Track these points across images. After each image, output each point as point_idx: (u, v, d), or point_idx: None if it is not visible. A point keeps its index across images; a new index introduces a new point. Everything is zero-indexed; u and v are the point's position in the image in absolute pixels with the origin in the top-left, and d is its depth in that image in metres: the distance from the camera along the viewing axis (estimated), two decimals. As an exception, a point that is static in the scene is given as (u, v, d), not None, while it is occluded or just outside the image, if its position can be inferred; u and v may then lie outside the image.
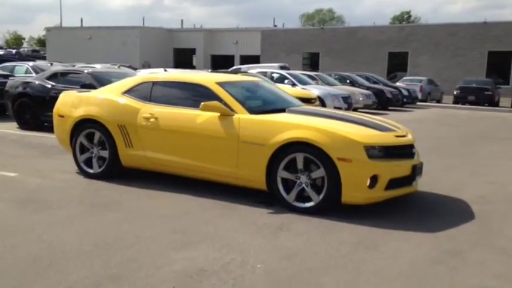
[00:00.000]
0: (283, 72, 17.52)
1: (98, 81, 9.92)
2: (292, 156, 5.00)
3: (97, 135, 6.20)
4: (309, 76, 17.98)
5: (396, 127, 5.53)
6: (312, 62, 39.79)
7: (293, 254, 3.92)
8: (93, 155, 6.28)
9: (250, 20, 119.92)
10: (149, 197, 5.48)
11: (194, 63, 53.29)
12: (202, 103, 5.39)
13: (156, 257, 3.79)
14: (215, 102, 5.39)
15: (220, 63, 49.58)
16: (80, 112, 6.28)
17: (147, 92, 6.06)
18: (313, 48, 39.72)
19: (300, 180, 5.00)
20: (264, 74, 16.44)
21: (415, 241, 4.27)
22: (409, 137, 5.35)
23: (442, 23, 36.61)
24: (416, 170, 5.18)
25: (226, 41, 51.19)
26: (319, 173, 4.88)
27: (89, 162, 6.35)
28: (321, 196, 4.88)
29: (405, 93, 21.50)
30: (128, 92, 6.18)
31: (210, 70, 24.92)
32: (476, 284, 3.40)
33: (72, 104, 6.46)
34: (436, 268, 3.70)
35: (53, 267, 3.56)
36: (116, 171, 6.21)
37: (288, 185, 5.09)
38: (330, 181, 4.81)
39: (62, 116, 6.52)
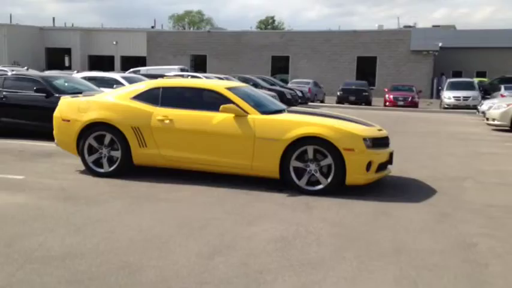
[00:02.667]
0: (200, 75, 18.39)
1: (50, 85, 10.03)
2: (303, 149, 6.12)
3: (107, 137, 6.72)
4: (220, 78, 19.04)
5: (372, 123, 6.94)
6: (199, 64, 40.82)
7: (337, 223, 5.07)
8: (102, 155, 6.78)
9: (115, 19, 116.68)
10: (175, 190, 6.22)
11: (67, 63, 51.15)
12: (222, 106, 6.28)
13: (239, 231, 4.68)
14: (232, 105, 6.32)
15: (99, 64, 48.30)
16: (90, 116, 6.74)
17: (156, 97, 6.74)
18: (201, 50, 40.80)
19: (310, 168, 6.15)
20: (181, 76, 17.17)
21: (412, 209, 5.66)
22: (384, 131, 6.78)
23: (318, 30, 40.08)
24: (391, 157, 6.63)
25: (105, 41, 49.95)
26: (327, 161, 6.08)
27: (96, 163, 6.83)
28: (329, 179, 6.08)
29: (299, 94, 23.58)
30: (137, 97, 6.80)
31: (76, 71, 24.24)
32: (475, 232, 4.83)
33: (78, 108, 6.87)
34: (441, 225, 5.09)
35: (168, 243, 4.30)
36: (126, 170, 6.78)
37: (298, 173, 6.21)
38: (336, 167, 6.04)
39: (67, 121, 6.90)
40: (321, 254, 4.17)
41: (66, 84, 10.65)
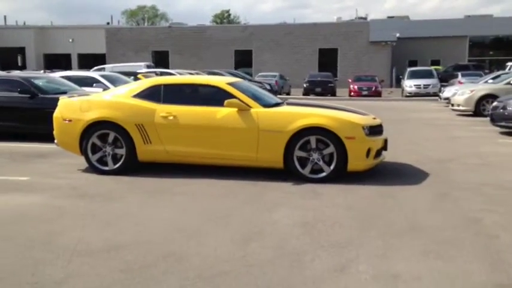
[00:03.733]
0: (172, 71, 18.39)
1: (34, 86, 9.93)
2: (306, 139, 6.42)
3: (111, 135, 6.81)
4: (190, 74, 19.12)
5: (367, 113, 7.30)
6: (162, 60, 40.53)
7: (350, 206, 5.38)
8: (106, 153, 6.87)
9: (65, 16, 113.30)
10: (185, 184, 6.39)
11: (20, 63, 49.67)
12: (226, 101, 6.49)
13: (262, 218, 4.93)
14: (236, 100, 6.54)
15: (55, 62, 47.17)
16: (93, 115, 6.81)
17: (158, 94, 6.88)
18: (162, 46, 40.51)
19: (313, 157, 6.45)
20: (155, 73, 17.15)
21: (413, 190, 6.05)
22: (378, 119, 7.16)
23: (279, 24, 40.55)
24: (386, 144, 7.02)
25: (61, 39, 48.85)
26: (329, 150, 6.39)
27: (100, 161, 6.91)
28: (332, 167, 6.40)
29: (268, 87, 23.89)
30: (138, 95, 6.91)
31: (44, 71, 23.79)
32: (478, 208, 5.24)
33: (80, 108, 6.92)
34: (444, 203, 5.50)
35: (199, 232, 4.50)
36: (132, 167, 6.90)
37: (301, 162, 6.50)
38: (338, 155, 6.36)
39: (69, 120, 6.93)
40: (346, 235, 4.47)
41: (47, 84, 10.54)
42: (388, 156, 7.92)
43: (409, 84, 27.33)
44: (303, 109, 6.75)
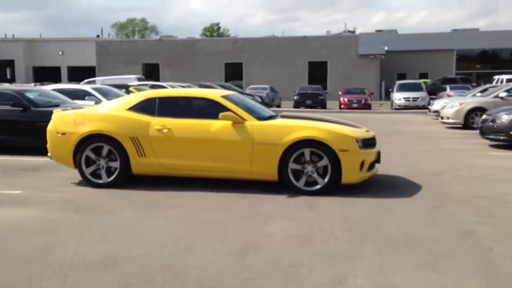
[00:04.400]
0: (164, 84, 18.42)
1: (26, 99, 9.90)
2: (300, 151, 6.46)
3: (105, 149, 6.81)
4: (182, 87, 19.17)
5: (360, 126, 7.37)
6: (152, 73, 40.55)
7: (344, 219, 5.41)
8: (100, 166, 6.86)
9: (55, 28, 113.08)
10: (178, 197, 6.38)
11: (8, 76, 49.41)
12: (221, 113, 6.52)
13: (257, 231, 4.94)
14: (230, 113, 6.57)
15: (44, 75, 47.00)
16: (87, 128, 6.80)
17: (153, 107, 6.90)
18: (153, 59, 40.57)
19: (307, 170, 6.49)
20: (146, 85, 17.16)
21: (407, 203, 6.10)
22: (371, 132, 7.22)
23: (269, 37, 40.86)
24: (379, 156, 7.08)
25: (50, 52, 48.71)
26: (323, 162, 6.43)
27: (93, 174, 6.89)
28: (326, 180, 6.44)
29: (259, 99, 23.99)
30: (133, 108, 6.93)
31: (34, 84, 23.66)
32: (471, 221, 5.30)
33: (74, 121, 6.92)
34: (437, 215, 5.55)
35: (195, 245, 4.50)
36: (126, 180, 6.88)
37: (296, 175, 6.53)
38: (333, 168, 6.40)
39: (63, 134, 6.92)
40: (342, 247, 4.50)
41: (39, 97, 10.51)
42: (381, 169, 7.98)
43: (398, 97, 27.59)
44: (297, 122, 6.81)
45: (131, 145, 6.74)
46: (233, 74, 39.50)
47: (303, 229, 5.02)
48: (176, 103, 7.00)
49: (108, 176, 6.85)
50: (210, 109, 6.77)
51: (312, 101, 27.56)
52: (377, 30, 55.84)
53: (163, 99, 6.99)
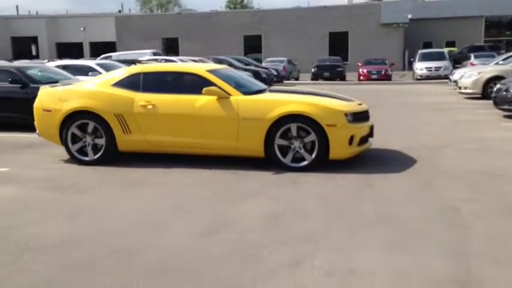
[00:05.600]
0: (174, 58, 18.25)
1: (25, 76, 9.89)
2: (286, 127, 6.23)
3: (91, 125, 6.72)
4: (194, 61, 18.96)
5: (352, 98, 7.07)
6: (172, 47, 40.42)
7: (324, 196, 5.21)
8: (87, 143, 6.78)
9: (82, 4, 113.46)
10: (163, 174, 6.27)
11: (34, 52, 50.07)
12: (204, 88, 6.32)
13: (229, 210, 4.79)
14: (215, 88, 6.37)
15: (67, 51, 47.39)
16: (72, 105, 6.71)
17: (137, 83, 6.75)
18: (172, 33, 40.36)
19: (294, 145, 6.27)
20: (156, 60, 17.03)
21: (394, 179, 5.84)
22: (364, 105, 6.93)
23: (289, 8, 40.02)
24: (372, 130, 6.80)
25: (73, 28, 48.96)
26: (310, 137, 6.20)
27: (80, 151, 6.83)
28: (313, 155, 6.21)
29: (274, 72, 23.64)
30: (118, 84, 6.79)
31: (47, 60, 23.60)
32: (459, 197, 5.03)
33: (59, 98, 6.83)
34: (423, 192, 5.29)
35: (160, 226, 4.38)
36: (111, 157, 6.80)
37: (282, 150, 6.33)
38: (320, 143, 6.17)
39: (48, 110, 6.85)
40: (310, 227, 4.31)
41: (40, 74, 10.49)
42: (381, 143, 7.75)
43: (420, 67, 26.75)
44: (284, 96, 6.56)
45: (116, 122, 6.62)
46: (252, 46, 38.97)
47: (277, 208, 4.85)
48: (161, 78, 6.83)
49: (95, 153, 6.78)
50: (195, 84, 6.57)
51: (330, 73, 27.00)
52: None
53: (148, 75, 6.83)
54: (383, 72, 26.89)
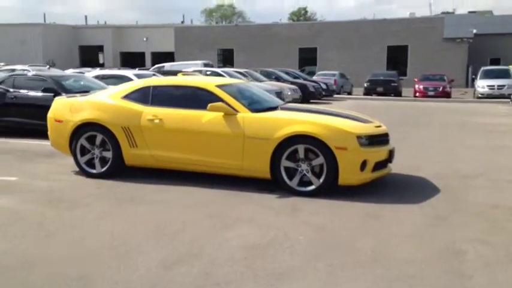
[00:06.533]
0: (218, 70, 18.23)
1: (59, 85, 10.06)
2: (293, 148, 5.84)
3: (99, 138, 6.61)
4: (240, 73, 18.85)
5: (371, 119, 6.58)
6: (227, 58, 40.76)
7: (321, 228, 4.78)
8: (95, 156, 6.69)
9: (150, 15, 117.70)
10: (164, 191, 6.05)
11: (101, 60, 52.07)
12: (209, 104, 6.06)
13: (212, 237, 4.47)
14: (221, 104, 6.09)
15: (130, 60, 48.94)
16: (81, 116, 6.65)
17: (147, 96, 6.59)
18: (227, 44, 40.71)
19: (301, 168, 5.86)
20: (200, 72, 17.02)
21: (407, 211, 5.31)
22: (384, 127, 6.42)
23: (346, 20, 39.28)
24: (391, 154, 6.27)
25: (136, 38, 50.57)
26: (318, 160, 5.77)
27: (89, 163, 6.74)
28: (321, 180, 5.77)
29: (324, 86, 23.12)
30: (127, 96, 6.66)
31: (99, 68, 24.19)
32: (469, 238, 4.47)
33: (70, 109, 6.80)
34: (433, 229, 4.74)
35: (133, 250, 4.12)
36: (118, 170, 6.66)
37: (289, 173, 5.93)
38: (328, 167, 5.73)
39: (59, 121, 6.84)
40: (291, 263, 3.91)
41: (75, 83, 10.65)
42: (408, 167, 7.22)
43: (482, 85, 25.29)
44: (294, 115, 6.17)
45: (123, 135, 6.48)
46: (307, 59, 38.49)
47: (265, 237, 4.47)
48: (170, 92, 6.63)
49: (102, 166, 6.66)
50: (203, 99, 6.31)
51: (383, 88, 26.08)
52: (470, 12, 51.80)
53: (157, 88, 6.65)
54: (440, 89, 25.66)
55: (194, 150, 6.24)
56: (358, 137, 5.77)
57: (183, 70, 18.11)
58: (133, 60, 48.51)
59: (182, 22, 58.85)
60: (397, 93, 26.73)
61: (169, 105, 6.46)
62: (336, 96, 25.36)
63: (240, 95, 6.63)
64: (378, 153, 6.00)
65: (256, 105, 6.48)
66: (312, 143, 5.76)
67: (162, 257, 4.00)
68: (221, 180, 6.38)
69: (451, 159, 8.29)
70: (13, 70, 17.03)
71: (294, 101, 19.12)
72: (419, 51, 36.54)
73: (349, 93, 28.48)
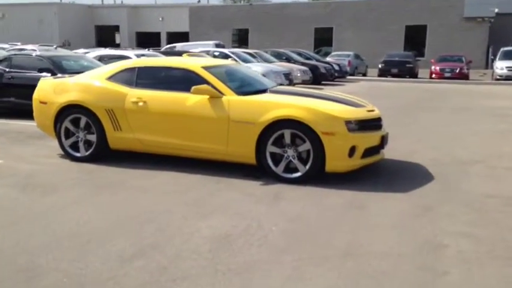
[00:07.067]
0: (226, 51, 17.92)
1: (55, 65, 9.92)
2: (280, 133, 5.59)
3: (83, 120, 6.45)
4: (249, 54, 18.52)
5: (365, 103, 6.28)
6: (241, 39, 40.27)
7: (297, 218, 4.55)
8: (79, 139, 6.53)
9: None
10: (144, 177, 5.88)
11: (117, 40, 52.03)
12: (193, 87, 5.82)
13: (181, 227, 4.28)
14: (205, 86, 5.85)
15: (146, 40, 48.78)
16: (65, 98, 6.48)
17: (132, 77, 6.38)
18: (242, 24, 40.18)
19: (287, 154, 5.62)
20: (207, 52, 16.75)
21: (394, 200, 5.04)
22: (377, 111, 6.11)
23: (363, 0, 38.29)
24: (384, 140, 5.97)
25: (152, 18, 50.35)
26: (305, 146, 5.52)
27: (74, 146, 6.59)
28: (307, 167, 5.53)
29: (336, 67, 22.65)
30: (112, 77, 6.46)
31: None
32: (453, 231, 4.20)
33: (54, 90, 6.63)
34: (418, 220, 4.48)
35: (93, 241, 3.95)
36: (103, 154, 6.51)
37: (276, 159, 5.70)
38: (315, 153, 5.47)
39: (44, 103, 6.68)
40: (257, 256, 3.70)
41: (73, 64, 10.50)
42: (406, 153, 6.96)
43: (500, 66, 24.46)
44: (281, 98, 5.90)
45: (107, 118, 6.30)
46: (323, 39, 37.75)
47: (237, 228, 4.27)
48: (155, 74, 6.41)
49: (87, 150, 6.50)
50: (189, 81, 6.07)
51: (398, 69, 25.43)
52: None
53: (142, 69, 6.43)
54: (457, 71, 24.92)
55: (178, 134, 6.04)
56: (347, 122, 5.49)
57: (190, 51, 17.90)
58: (149, 40, 48.34)
59: (198, 1, 58.29)
60: (413, 75, 26.06)
61: (155, 87, 6.24)
62: (349, 77, 24.85)
63: (228, 77, 6.38)
64: (369, 139, 5.72)
65: (244, 88, 6.22)
66: (298, 128, 5.50)
67: (123, 248, 3.82)
68: (209, 165, 6.18)
69: (452, 145, 7.95)
70: (21, 50, 16.96)
71: (304, 82, 18.77)
72: (438, 31, 35.56)
73: (364, 75, 27.91)
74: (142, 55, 13.15)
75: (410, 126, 9.79)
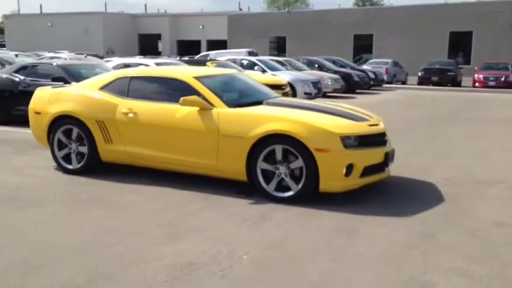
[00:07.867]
0: (253, 58, 17.62)
1: (69, 74, 9.86)
2: (271, 148, 5.18)
3: (75, 131, 6.24)
4: (278, 62, 18.14)
5: (369, 116, 5.77)
6: (279, 46, 39.93)
7: (276, 244, 4.12)
8: (72, 150, 6.32)
9: (215, 3, 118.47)
10: (132, 191, 5.59)
11: (160, 48, 52.79)
12: (181, 98, 5.50)
13: (145, 252, 3.93)
14: (194, 97, 5.51)
15: (187, 48, 49.23)
16: (56, 108, 6.30)
17: (124, 87, 6.12)
18: (280, 32, 39.82)
19: (279, 171, 5.20)
20: (234, 61, 16.49)
21: (390, 226, 4.53)
22: (381, 125, 5.60)
23: (405, 5, 37.27)
24: (389, 157, 5.45)
25: (192, 26, 50.72)
26: (297, 163, 5.08)
27: (67, 158, 6.39)
28: (300, 185, 5.09)
29: (372, 76, 21.93)
30: (105, 87, 6.23)
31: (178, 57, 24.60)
32: (447, 266, 3.67)
33: (48, 100, 6.47)
34: (410, 252, 3.96)
35: (45, 267, 3.65)
36: (95, 167, 6.27)
37: (268, 176, 5.28)
38: (308, 171, 5.02)
39: (38, 113, 6.53)
40: (214, 291, 3.30)
41: (88, 72, 10.41)
42: (419, 171, 6.44)
43: (550, 75, 23.12)
44: (275, 111, 5.48)
45: (98, 129, 6.06)
46: (362, 46, 36.80)
47: (204, 255, 3.88)
48: (148, 84, 6.12)
49: (79, 162, 6.28)
50: (181, 91, 5.73)
51: (439, 77, 24.39)
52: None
53: (135, 79, 6.16)
54: (503, 79, 23.66)
55: (168, 147, 5.72)
56: (343, 137, 5.01)
57: (217, 59, 17.69)
58: (189, 48, 48.77)
59: (240, 9, 58.43)
60: (455, 83, 24.95)
61: (146, 97, 5.96)
62: (386, 86, 24.02)
63: (225, 87, 6.05)
64: (370, 156, 5.22)
65: (239, 100, 5.86)
66: (290, 144, 5.08)
67: (72, 277, 3.49)
68: (203, 181, 5.81)
69: (473, 162, 7.27)
70: (52, 58, 17.22)
71: (335, 91, 18.22)
72: (484, 37, 34.03)
73: (404, 83, 26.96)
74: (161, 64, 12.99)
75: (435, 140, 9.13)
